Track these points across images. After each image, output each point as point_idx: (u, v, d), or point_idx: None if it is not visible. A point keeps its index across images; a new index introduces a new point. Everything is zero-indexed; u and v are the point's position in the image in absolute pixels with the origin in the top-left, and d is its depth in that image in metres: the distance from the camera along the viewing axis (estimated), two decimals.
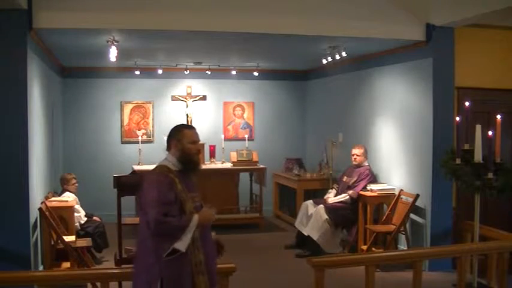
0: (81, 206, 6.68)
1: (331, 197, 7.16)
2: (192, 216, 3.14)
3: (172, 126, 3.47)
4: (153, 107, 9.14)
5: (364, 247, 6.60)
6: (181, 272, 3.13)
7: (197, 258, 3.16)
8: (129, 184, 4.98)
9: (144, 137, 8.98)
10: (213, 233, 3.41)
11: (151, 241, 3.11)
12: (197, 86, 9.24)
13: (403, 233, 6.33)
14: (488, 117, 5.86)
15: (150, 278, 3.10)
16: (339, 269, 4.69)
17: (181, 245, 3.09)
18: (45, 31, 5.34)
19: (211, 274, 3.25)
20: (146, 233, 3.12)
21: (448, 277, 5.67)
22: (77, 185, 6.81)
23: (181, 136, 3.35)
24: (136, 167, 8.14)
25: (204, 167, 8.31)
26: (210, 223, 3.30)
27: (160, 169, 3.27)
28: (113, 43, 5.93)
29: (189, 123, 9.12)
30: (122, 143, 9.06)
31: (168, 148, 3.39)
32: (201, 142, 9.97)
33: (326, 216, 6.77)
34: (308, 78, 9.67)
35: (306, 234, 6.87)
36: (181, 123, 3.66)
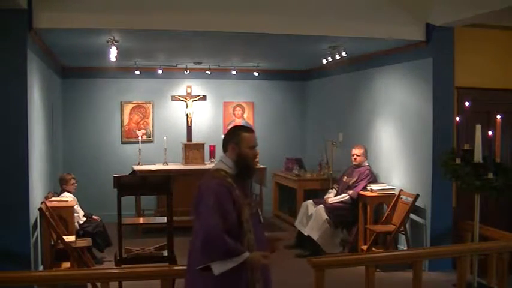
0: (80, 206, 6.67)
1: (331, 197, 7.16)
2: (244, 251, 2.95)
3: (231, 127, 3.29)
4: (153, 107, 9.14)
5: (364, 247, 6.60)
6: (238, 280, 3.00)
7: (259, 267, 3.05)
8: (129, 184, 4.99)
9: (144, 137, 8.98)
10: (268, 234, 3.30)
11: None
12: (197, 86, 9.25)
13: (403, 233, 6.33)
14: (488, 117, 5.86)
15: None
16: (339, 269, 4.69)
17: (218, 268, 2.92)
18: (45, 31, 5.34)
19: (267, 280, 3.14)
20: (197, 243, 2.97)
21: (448, 277, 5.67)
22: (76, 185, 6.81)
23: (240, 140, 3.14)
24: (136, 167, 8.14)
25: (204, 167, 8.33)
26: (255, 267, 3.04)
27: (218, 174, 3.09)
28: (113, 43, 5.93)
29: (189, 123, 9.14)
30: (122, 143, 9.05)
31: (225, 150, 3.19)
32: (200, 142, 9.94)
33: (326, 216, 6.77)
34: (308, 78, 9.67)
35: (306, 234, 6.87)
36: (240, 124, 3.48)
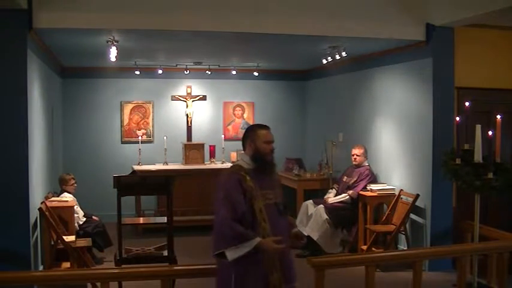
0: (80, 207, 6.67)
1: (331, 197, 7.16)
2: (255, 237, 3.15)
3: (248, 127, 3.55)
4: (153, 107, 9.14)
5: (364, 247, 6.60)
6: (253, 269, 3.19)
7: (272, 256, 3.21)
8: (129, 184, 4.99)
9: (144, 137, 8.99)
10: (295, 229, 3.45)
11: None
12: (197, 86, 9.25)
13: (403, 233, 6.33)
14: (488, 117, 5.86)
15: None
16: (339, 269, 4.69)
17: (231, 254, 3.12)
18: (45, 31, 5.34)
19: (287, 270, 3.29)
20: None
21: (448, 277, 5.67)
22: (75, 185, 6.81)
23: (256, 136, 3.38)
24: (136, 167, 8.14)
25: (203, 167, 8.33)
26: (272, 254, 3.20)
27: (233, 168, 3.39)
28: (113, 43, 5.93)
29: (189, 123, 9.14)
30: (122, 143, 9.05)
31: (244, 148, 3.46)
32: (200, 142, 9.92)
33: (326, 216, 6.77)
34: (308, 78, 9.67)
35: (306, 234, 6.86)
36: (257, 123, 3.71)
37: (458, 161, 5.16)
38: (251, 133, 3.42)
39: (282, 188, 3.60)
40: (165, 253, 4.97)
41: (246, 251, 3.12)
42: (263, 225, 3.21)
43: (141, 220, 6.65)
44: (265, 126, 3.47)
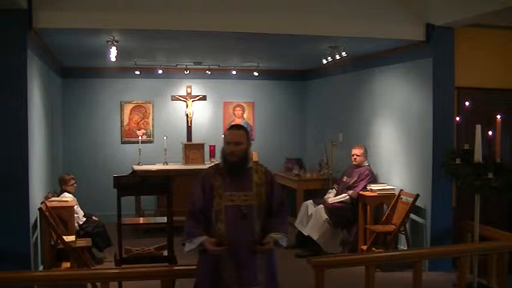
0: (80, 207, 6.67)
1: (331, 197, 7.16)
2: (201, 235, 3.31)
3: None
4: (153, 107, 9.14)
5: (364, 247, 6.60)
6: (206, 264, 3.36)
7: (224, 256, 3.29)
8: (129, 184, 4.98)
9: (144, 137, 8.99)
10: (274, 235, 3.38)
11: None
12: (197, 86, 9.25)
13: (403, 233, 6.33)
14: (488, 117, 5.85)
15: None
16: (339, 269, 4.69)
17: (186, 247, 3.35)
18: (45, 31, 5.34)
19: (246, 272, 3.30)
20: None
21: (448, 277, 5.67)
22: (75, 185, 6.81)
23: (224, 137, 3.48)
24: (136, 167, 8.14)
25: (204, 167, 8.32)
26: (214, 254, 3.31)
27: (211, 167, 3.54)
28: (113, 43, 5.93)
29: (189, 123, 9.14)
30: (122, 143, 9.05)
31: None
32: (200, 142, 9.89)
33: (326, 216, 6.77)
34: (308, 78, 9.67)
35: (306, 234, 6.87)
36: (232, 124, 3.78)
37: (458, 161, 5.16)
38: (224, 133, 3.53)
39: (279, 189, 3.56)
40: (165, 253, 4.96)
41: (194, 246, 3.31)
42: (218, 226, 3.31)
43: (141, 220, 6.64)
44: (235, 126, 3.51)
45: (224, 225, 3.29)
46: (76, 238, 5.88)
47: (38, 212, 5.46)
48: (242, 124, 9.32)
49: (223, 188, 3.33)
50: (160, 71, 8.58)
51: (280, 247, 3.46)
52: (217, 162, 3.51)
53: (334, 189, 7.37)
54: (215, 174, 3.39)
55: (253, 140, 9.40)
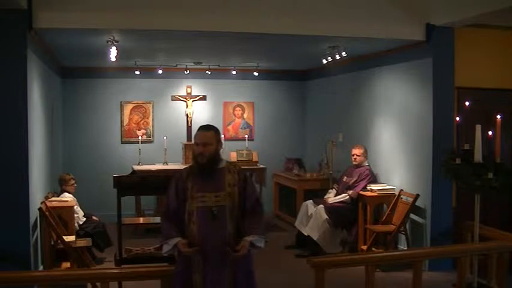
0: (80, 207, 6.67)
1: (331, 197, 7.16)
2: (175, 236, 3.33)
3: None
4: (153, 107, 9.14)
5: (364, 247, 6.60)
6: (181, 265, 3.38)
7: (196, 257, 3.30)
8: (129, 184, 4.98)
9: (144, 137, 8.99)
10: (250, 238, 3.32)
11: None
12: (197, 86, 9.25)
13: (403, 233, 6.33)
14: (488, 117, 5.85)
15: None
16: (339, 269, 4.69)
17: (164, 248, 3.38)
18: (45, 31, 5.34)
19: (216, 274, 3.28)
20: None
21: (448, 277, 5.67)
22: (75, 185, 6.81)
23: (193, 137, 3.50)
24: (136, 167, 8.14)
25: None
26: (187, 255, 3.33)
27: (185, 168, 3.54)
28: (113, 43, 5.93)
29: (189, 123, 9.14)
30: (122, 143, 9.05)
31: None
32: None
33: (326, 216, 6.77)
34: (308, 78, 9.67)
35: (306, 234, 6.87)
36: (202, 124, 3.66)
37: (458, 161, 5.15)
38: None
39: (254, 189, 3.56)
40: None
41: (170, 248, 3.33)
42: (191, 227, 3.32)
43: (141, 220, 6.64)
44: (203, 127, 3.47)
45: (196, 226, 3.30)
46: (76, 238, 5.88)
47: (38, 212, 5.45)
48: (242, 124, 9.45)
49: (195, 189, 3.34)
50: (160, 71, 8.58)
51: (258, 248, 3.38)
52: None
53: (334, 189, 7.37)
54: (188, 175, 3.40)
55: (253, 140, 9.41)
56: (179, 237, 3.32)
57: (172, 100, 9.15)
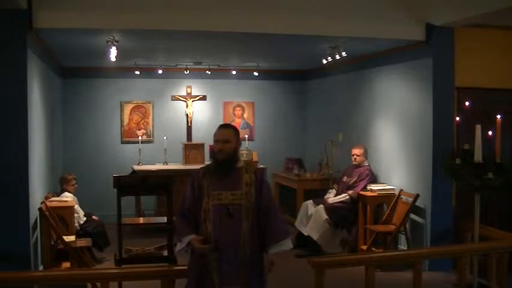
0: (80, 206, 6.67)
1: (331, 197, 7.16)
2: (189, 234, 3.33)
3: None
4: (153, 107, 9.14)
5: (364, 247, 6.60)
6: (195, 264, 3.37)
7: (211, 256, 3.29)
8: (129, 184, 4.99)
9: (144, 137, 8.99)
10: (277, 248, 3.42)
11: None
12: (197, 86, 9.25)
13: (403, 233, 6.33)
14: (488, 117, 5.86)
15: None
16: (339, 269, 4.69)
17: (177, 247, 3.39)
18: (45, 31, 5.34)
19: (228, 273, 3.29)
20: None
21: (448, 277, 5.67)
22: (76, 185, 6.81)
23: (214, 135, 3.47)
24: (136, 167, 8.14)
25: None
26: (202, 253, 3.33)
27: (202, 167, 3.52)
28: (113, 43, 5.93)
29: (189, 123, 9.14)
30: (122, 143, 9.05)
31: None
32: (200, 142, 9.88)
33: (326, 216, 6.77)
34: (308, 78, 9.67)
35: (306, 234, 6.86)
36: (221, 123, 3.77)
37: (458, 161, 5.16)
38: None
39: (270, 189, 3.57)
40: (165, 253, 4.96)
41: (184, 245, 3.34)
42: (206, 225, 3.32)
43: (141, 220, 6.64)
44: (223, 125, 3.56)
45: (211, 224, 3.30)
46: (76, 238, 5.88)
47: (38, 212, 5.45)
48: (242, 124, 9.44)
49: (211, 187, 3.34)
50: (160, 71, 8.58)
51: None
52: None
53: (334, 189, 7.37)
54: (205, 173, 3.41)
55: (253, 140, 9.42)
56: (193, 234, 3.32)
57: (172, 100, 9.16)
